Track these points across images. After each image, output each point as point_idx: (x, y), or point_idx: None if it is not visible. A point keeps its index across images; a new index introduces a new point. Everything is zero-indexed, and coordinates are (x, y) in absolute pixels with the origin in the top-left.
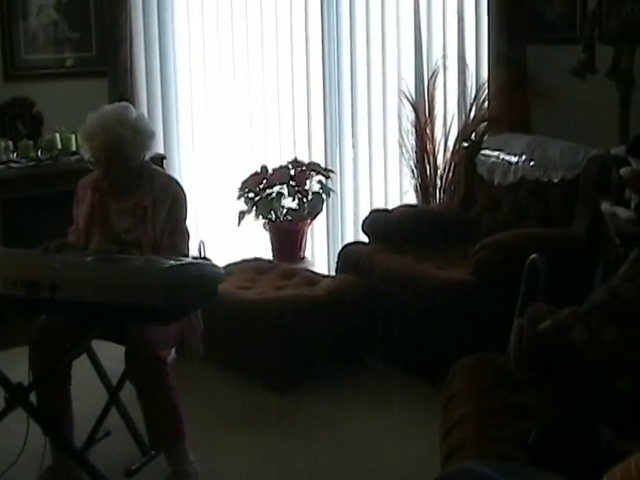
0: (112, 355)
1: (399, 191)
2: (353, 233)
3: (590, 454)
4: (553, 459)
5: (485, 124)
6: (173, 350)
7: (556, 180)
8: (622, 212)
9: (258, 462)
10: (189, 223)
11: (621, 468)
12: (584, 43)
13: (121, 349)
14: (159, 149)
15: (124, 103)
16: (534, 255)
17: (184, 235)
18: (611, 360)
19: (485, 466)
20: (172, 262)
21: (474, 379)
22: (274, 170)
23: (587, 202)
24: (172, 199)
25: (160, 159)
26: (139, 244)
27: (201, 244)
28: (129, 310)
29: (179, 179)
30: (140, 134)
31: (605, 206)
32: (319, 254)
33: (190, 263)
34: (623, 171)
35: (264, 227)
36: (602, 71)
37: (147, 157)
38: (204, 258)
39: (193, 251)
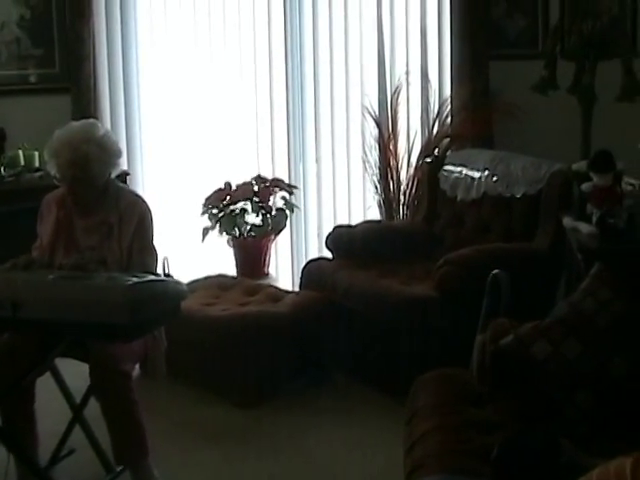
0: (76, 372)
1: (363, 207)
2: (317, 249)
3: (552, 468)
4: (516, 474)
5: (448, 140)
6: (137, 366)
7: (518, 195)
8: (584, 227)
9: (222, 478)
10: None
11: None
12: (546, 59)
13: (85, 366)
14: (122, 165)
15: (91, 120)
16: (496, 270)
17: (153, 253)
18: (573, 375)
19: None
20: (134, 279)
21: (437, 394)
22: (238, 186)
23: (549, 217)
24: (139, 217)
25: (123, 175)
26: (104, 261)
27: (165, 261)
28: (92, 328)
29: (143, 195)
30: (106, 152)
31: (567, 221)
32: (283, 270)
33: (152, 280)
34: (584, 186)
35: (228, 243)
36: (564, 87)
37: (113, 175)
38: (167, 275)
39: (158, 268)
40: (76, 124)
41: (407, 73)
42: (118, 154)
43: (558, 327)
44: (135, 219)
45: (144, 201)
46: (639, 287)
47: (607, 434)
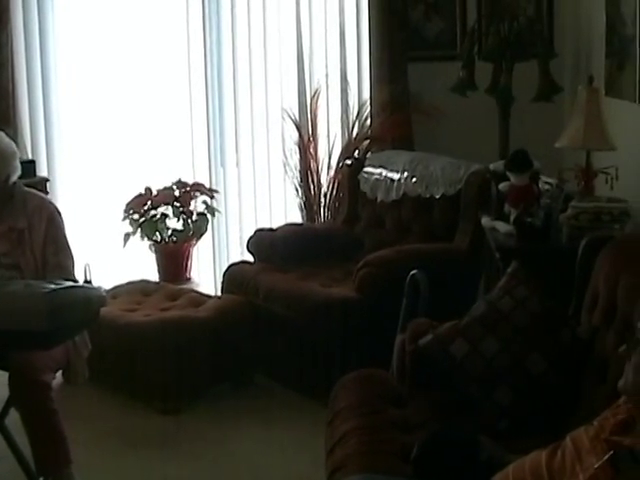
0: None
1: (284, 210)
2: (239, 253)
3: (472, 465)
4: (436, 472)
5: (368, 142)
6: (59, 373)
7: (438, 196)
8: (501, 226)
9: None
10: (74, 245)
11: (499, 478)
12: (464, 60)
13: (5, 375)
14: (42, 172)
15: None
16: (414, 271)
17: (68, 253)
18: (491, 372)
19: None
20: (52, 286)
21: (358, 395)
22: (158, 191)
23: (468, 217)
24: (48, 220)
25: (43, 182)
26: (19, 267)
27: (86, 267)
28: (10, 336)
29: (64, 202)
30: (0, 155)
31: (485, 221)
32: (205, 274)
33: (71, 287)
34: (502, 186)
35: (150, 249)
36: (482, 88)
37: (13, 178)
38: (87, 281)
39: (79, 274)
40: None
41: (326, 76)
42: (13, 156)
43: (476, 326)
44: (44, 222)
45: (51, 202)
46: (555, 285)
47: (526, 430)
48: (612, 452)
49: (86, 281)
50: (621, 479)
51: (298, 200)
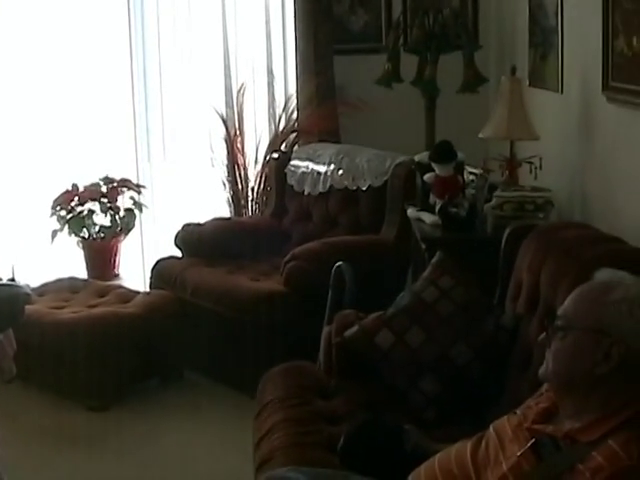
0: None
1: (212, 205)
2: (167, 248)
3: (398, 455)
4: (362, 462)
5: (294, 135)
6: None
7: (364, 188)
8: (427, 217)
9: None
10: (0, 243)
11: (425, 467)
12: (389, 53)
13: None
14: None
15: None
16: (339, 263)
17: None
18: (417, 362)
19: (295, 472)
20: None
21: (285, 387)
22: (85, 187)
23: (395, 209)
24: None
25: None
26: None
27: (12, 266)
28: None
29: None
30: None
31: (411, 212)
32: (134, 270)
33: None
34: (427, 177)
35: (78, 245)
36: (408, 80)
37: None
38: (12, 279)
39: (3, 273)
40: None
41: (253, 69)
42: None
43: (401, 316)
44: None
45: None
46: (480, 274)
47: (452, 419)
48: (534, 440)
49: (11, 279)
50: (543, 466)
51: (226, 195)
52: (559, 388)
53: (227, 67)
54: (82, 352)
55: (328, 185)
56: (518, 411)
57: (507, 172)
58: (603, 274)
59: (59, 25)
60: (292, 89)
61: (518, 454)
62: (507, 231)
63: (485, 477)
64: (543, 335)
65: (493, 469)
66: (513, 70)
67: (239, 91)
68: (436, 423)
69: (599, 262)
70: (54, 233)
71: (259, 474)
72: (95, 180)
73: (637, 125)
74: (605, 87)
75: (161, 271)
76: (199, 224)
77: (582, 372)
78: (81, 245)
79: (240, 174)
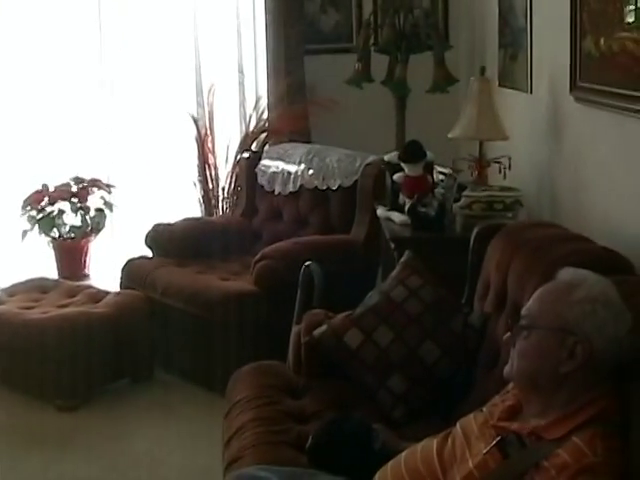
0: None
1: (182, 204)
2: (138, 248)
3: (366, 454)
4: (331, 461)
5: (265, 135)
6: None
7: (334, 188)
8: (396, 217)
9: None
10: None
11: (392, 465)
12: (359, 53)
13: None
14: None
15: None
16: (308, 262)
17: None
18: (385, 361)
19: (264, 471)
20: None
21: (254, 387)
22: (55, 187)
23: (365, 208)
24: None
25: None
26: None
27: None
28: None
29: None
30: None
31: (381, 211)
32: (104, 270)
33: None
34: (396, 176)
35: (48, 245)
36: (378, 80)
37: None
38: None
39: None
40: None
41: (223, 69)
42: None
43: (370, 316)
44: None
45: None
46: (448, 274)
47: (421, 417)
48: (500, 437)
49: None
50: (509, 463)
51: (197, 194)
52: (524, 387)
53: (198, 66)
54: (52, 352)
55: (298, 185)
56: (484, 409)
57: (476, 172)
58: (566, 273)
59: (26, 23)
60: (263, 89)
61: (484, 451)
62: (475, 230)
63: (451, 474)
64: (508, 334)
65: (459, 466)
66: (482, 70)
67: (209, 91)
68: (405, 421)
69: (566, 261)
70: (24, 233)
71: (228, 473)
72: (65, 180)
73: (604, 125)
74: (573, 87)
75: (131, 271)
76: (169, 224)
77: (547, 371)
78: (51, 245)
79: (211, 174)
